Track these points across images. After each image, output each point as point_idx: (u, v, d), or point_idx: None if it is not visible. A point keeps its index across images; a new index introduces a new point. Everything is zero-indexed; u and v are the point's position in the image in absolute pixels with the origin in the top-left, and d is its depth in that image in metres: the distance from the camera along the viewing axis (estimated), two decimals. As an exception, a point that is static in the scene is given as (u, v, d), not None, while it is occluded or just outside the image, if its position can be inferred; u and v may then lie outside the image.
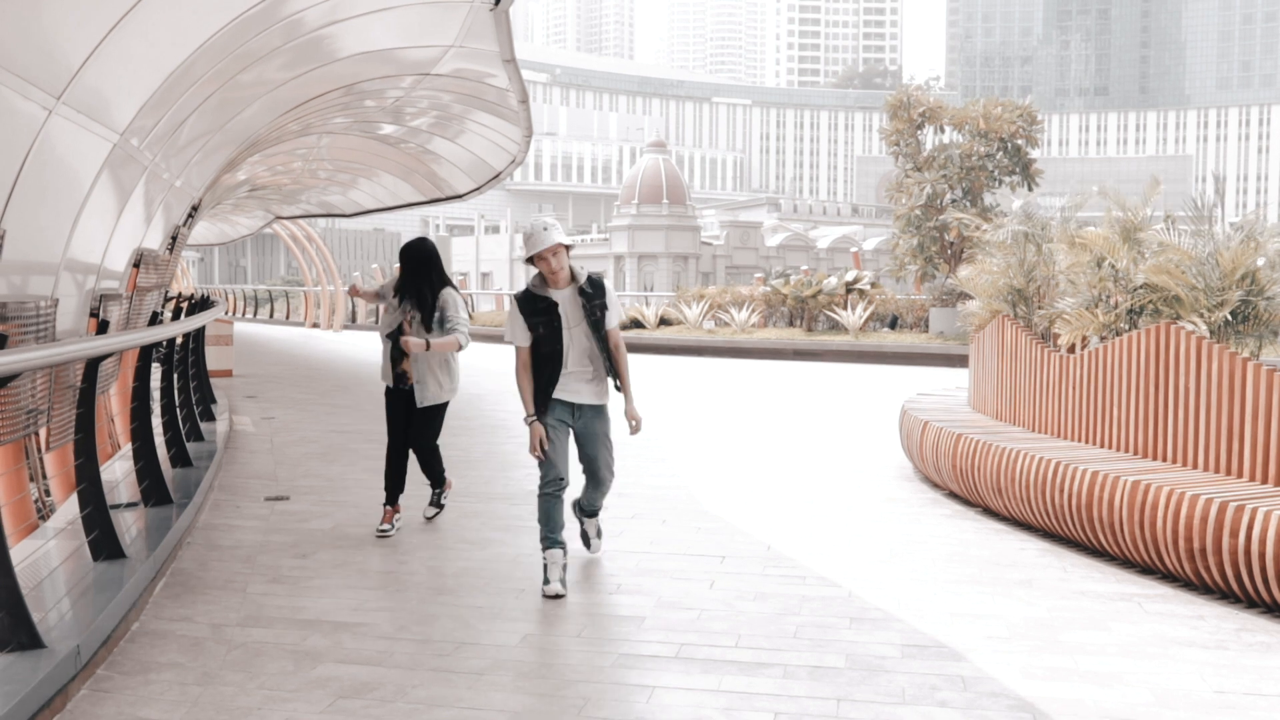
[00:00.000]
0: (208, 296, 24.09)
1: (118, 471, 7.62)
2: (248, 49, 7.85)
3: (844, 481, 8.73)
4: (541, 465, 5.54)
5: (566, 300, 5.54)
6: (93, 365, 5.40)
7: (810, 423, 12.55)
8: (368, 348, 25.56)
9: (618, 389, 5.67)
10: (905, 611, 5.19)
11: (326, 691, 4.14)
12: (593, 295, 5.55)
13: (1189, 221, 7.54)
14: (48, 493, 7.69)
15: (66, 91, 5.53)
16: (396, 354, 6.68)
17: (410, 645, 4.67)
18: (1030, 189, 26.99)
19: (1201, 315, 6.94)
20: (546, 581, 5.41)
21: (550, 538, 5.51)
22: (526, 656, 4.55)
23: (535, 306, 5.52)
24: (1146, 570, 5.88)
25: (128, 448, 7.62)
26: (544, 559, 5.50)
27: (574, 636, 4.83)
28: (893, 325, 26.76)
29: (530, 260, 5.50)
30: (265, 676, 4.29)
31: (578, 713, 3.97)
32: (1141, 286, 7.41)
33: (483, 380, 17.99)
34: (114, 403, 9.46)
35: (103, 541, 5.25)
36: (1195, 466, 6.17)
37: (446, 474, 7.19)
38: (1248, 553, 5.17)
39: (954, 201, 27.13)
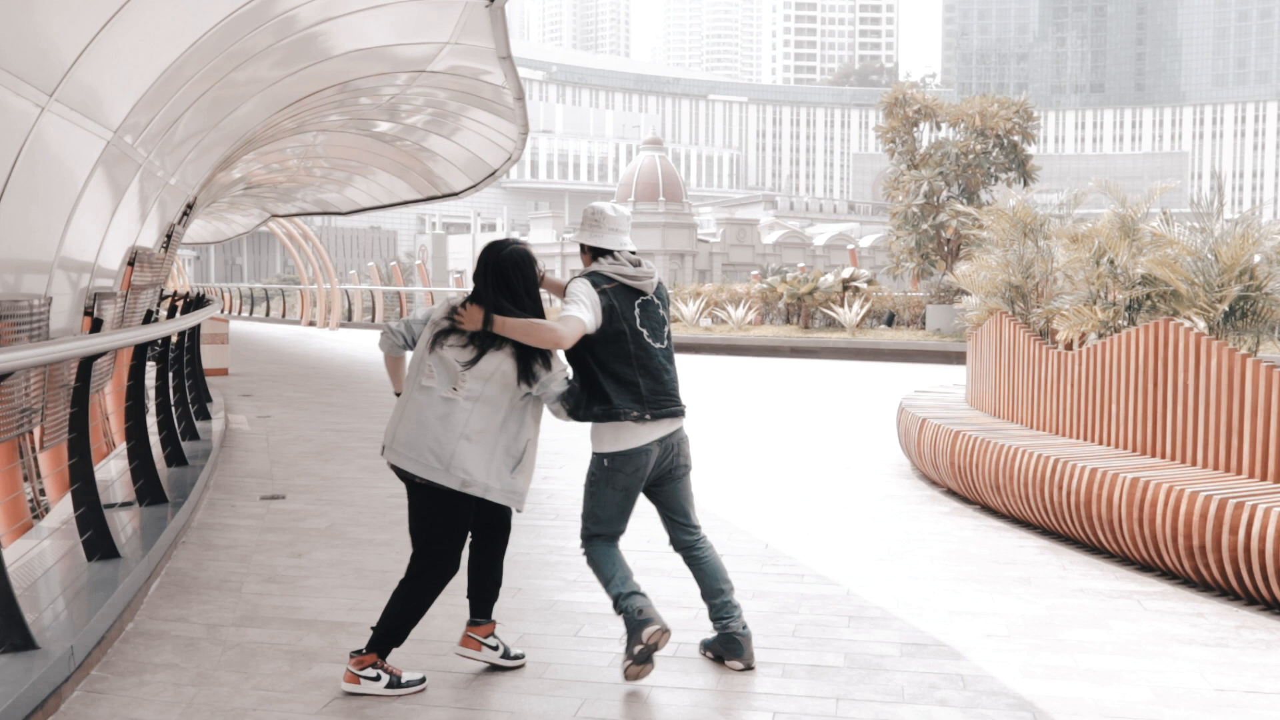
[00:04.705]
0: (203, 295, 24.04)
1: (112, 470, 7.58)
2: (240, 46, 7.82)
3: (842, 479, 8.71)
4: None
5: None
6: (87, 364, 5.37)
7: (807, 420, 12.53)
8: (364, 346, 25.50)
9: None
10: (904, 610, 5.17)
11: (322, 692, 4.11)
12: None
13: (1186, 218, 7.52)
14: (42, 492, 7.67)
15: (59, 89, 5.49)
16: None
17: (406, 645, 4.62)
18: (1026, 185, 26.94)
19: (1200, 311, 6.92)
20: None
21: None
22: (524, 656, 4.52)
23: None
24: (1146, 568, 5.87)
25: (122, 447, 7.59)
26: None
27: (571, 635, 4.80)
28: (889, 322, 26.75)
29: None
30: (261, 677, 4.26)
31: (575, 712, 3.94)
32: (1141, 281, 7.39)
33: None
34: (109, 401, 9.42)
35: (97, 541, 5.21)
36: (1194, 463, 6.15)
37: None
38: (1247, 550, 5.15)
39: (950, 199, 27.14)
